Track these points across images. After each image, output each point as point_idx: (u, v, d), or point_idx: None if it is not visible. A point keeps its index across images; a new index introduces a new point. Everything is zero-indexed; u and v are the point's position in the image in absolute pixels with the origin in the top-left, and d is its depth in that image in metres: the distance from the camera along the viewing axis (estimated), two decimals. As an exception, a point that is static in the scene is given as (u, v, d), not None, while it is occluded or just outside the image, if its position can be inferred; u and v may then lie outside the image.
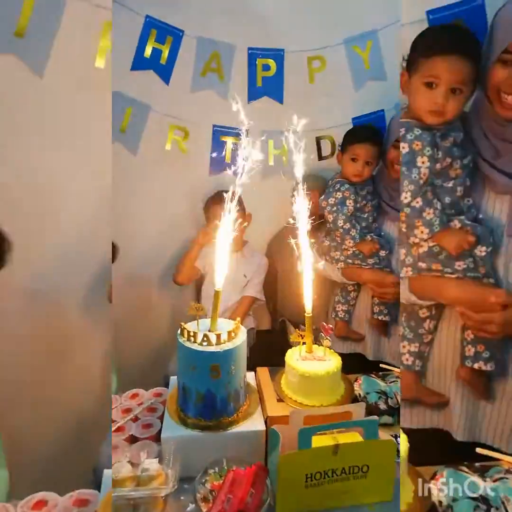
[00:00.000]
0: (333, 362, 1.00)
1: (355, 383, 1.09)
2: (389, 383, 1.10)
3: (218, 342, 0.91)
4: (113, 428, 0.98)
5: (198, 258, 1.69)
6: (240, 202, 1.73)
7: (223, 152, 1.80)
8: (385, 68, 1.77)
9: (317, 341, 1.06)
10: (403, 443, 0.84)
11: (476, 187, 1.10)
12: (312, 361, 1.00)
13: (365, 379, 1.11)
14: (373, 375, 1.15)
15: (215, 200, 1.69)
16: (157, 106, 1.68)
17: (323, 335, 1.03)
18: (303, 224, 1.02)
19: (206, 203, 1.76)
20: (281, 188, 1.87)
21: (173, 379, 1.11)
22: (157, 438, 0.97)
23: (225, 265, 0.96)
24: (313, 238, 1.64)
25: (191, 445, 0.91)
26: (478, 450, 0.88)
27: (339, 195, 1.56)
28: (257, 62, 1.73)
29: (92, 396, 1.37)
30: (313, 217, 1.08)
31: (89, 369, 1.42)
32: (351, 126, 1.81)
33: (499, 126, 1.03)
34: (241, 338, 0.95)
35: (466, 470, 0.81)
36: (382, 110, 1.80)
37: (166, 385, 1.19)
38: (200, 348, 0.90)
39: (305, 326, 1.77)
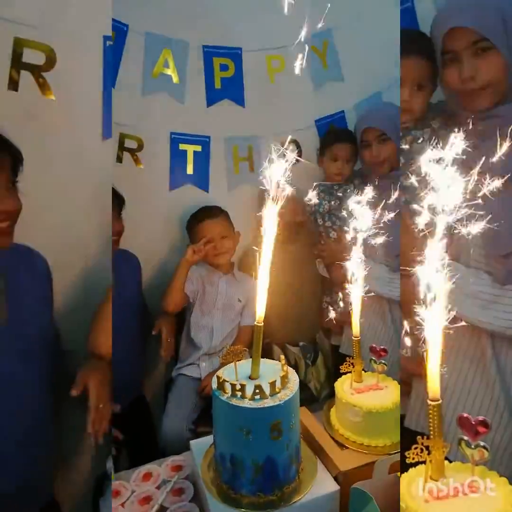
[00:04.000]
0: (394, 388, 0.86)
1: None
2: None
3: (273, 392, 0.72)
4: (137, 533, 0.73)
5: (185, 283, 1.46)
6: (229, 219, 1.57)
7: (184, 163, 1.60)
8: (342, 68, 1.73)
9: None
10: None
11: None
12: (369, 393, 0.85)
13: (410, 399, 1.00)
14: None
15: (201, 217, 1.50)
16: (104, 113, 1.41)
17: (374, 359, 0.89)
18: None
19: (189, 222, 1.53)
20: (250, 199, 1.73)
21: (196, 444, 0.88)
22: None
23: (265, 295, 0.77)
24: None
25: (255, 532, 0.70)
26: None
27: (315, 197, 1.56)
28: (213, 62, 1.56)
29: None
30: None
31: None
32: (315, 128, 1.75)
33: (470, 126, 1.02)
34: (294, 381, 0.77)
35: None
36: (342, 111, 1.76)
37: (179, 451, 0.95)
38: (254, 404, 0.70)
39: (292, 347, 1.67)
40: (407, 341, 0.87)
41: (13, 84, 1.11)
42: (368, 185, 1.55)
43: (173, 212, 1.63)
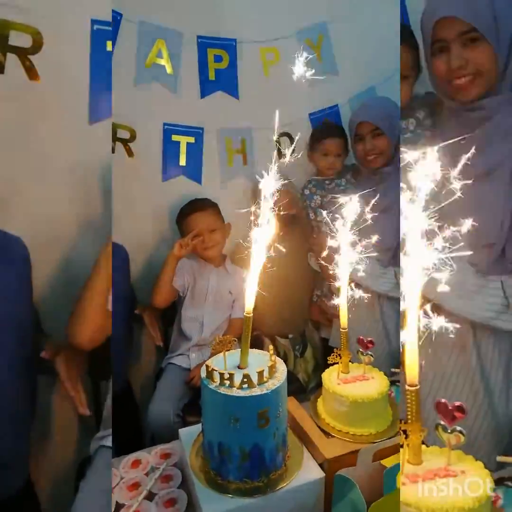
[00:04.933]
0: (380, 380, 0.88)
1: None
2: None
3: (261, 381, 0.73)
4: (125, 518, 0.74)
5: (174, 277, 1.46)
6: (218, 212, 1.57)
7: (177, 154, 1.60)
8: (336, 62, 1.73)
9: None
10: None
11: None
12: (356, 383, 0.87)
13: (396, 390, 1.02)
14: (399, 383, 1.07)
15: (189, 211, 1.49)
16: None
17: (361, 350, 0.91)
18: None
19: (179, 215, 1.53)
20: (242, 191, 1.73)
21: (185, 432, 0.89)
22: (186, 516, 0.76)
23: (255, 287, 0.78)
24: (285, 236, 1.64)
25: (241, 517, 0.72)
26: (499, 458, 0.83)
27: (307, 191, 1.62)
28: (208, 53, 1.56)
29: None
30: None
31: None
32: (308, 122, 1.75)
33: (457, 117, 1.03)
34: (282, 370, 0.79)
35: None
36: (336, 105, 1.77)
37: (167, 437, 0.96)
38: (242, 393, 0.71)
39: (282, 339, 1.69)
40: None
41: None
42: (360, 179, 1.59)
43: (166, 203, 1.63)
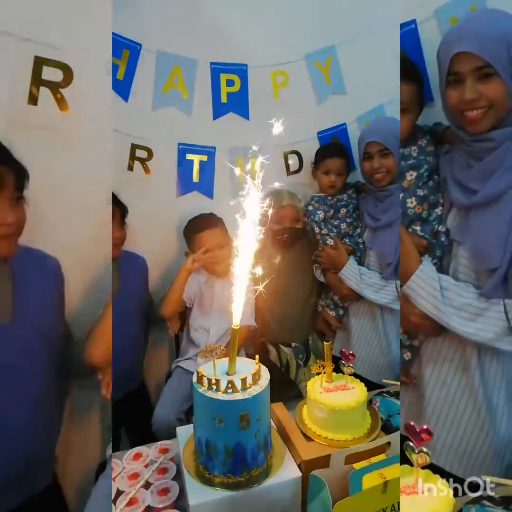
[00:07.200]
0: (359, 390, 0.95)
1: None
2: (405, 401, 1.08)
3: (244, 387, 0.82)
4: (125, 501, 0.84)
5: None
6: (225, 228, 1.67)
7: (191, 171, 1.71)
8: (344, 82, 1.80)
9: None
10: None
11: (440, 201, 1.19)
12: (336, 392, 0.94)
13: (381, 401, 1.08)
14: (386, 395, 1.13)
15: (200, 227, 1.58)
16: (117, 125, 1.53)
17: (344, 362, 0.98)
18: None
19: (188, 230, 1.63)
20: (252, 206, 1.82)
21: (181, 430, 0.99)
22: (176, 505, 0.86)
23: (242, 301, 0.87)
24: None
25: (223, 508, 0.81)
26: (484, 478, 0.87)
27: (310, 207, 1.69)
28: (220, 77, 1.67)
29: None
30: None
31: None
32: (316, 140, 1.83)
33: (466, 146, 1.08)
34: (265, 378, 0.87)
35: (490, 504, 0.78)
36: (344, 123, 1.83)
37: (168, 437, 1.06)
38: (226, 397, 0.80)
39: (285, 347, 1.76)
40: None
41: (33, 99, 1.20)
42: (363, 196, 1.65)
43: (180, 217, 1.74)
